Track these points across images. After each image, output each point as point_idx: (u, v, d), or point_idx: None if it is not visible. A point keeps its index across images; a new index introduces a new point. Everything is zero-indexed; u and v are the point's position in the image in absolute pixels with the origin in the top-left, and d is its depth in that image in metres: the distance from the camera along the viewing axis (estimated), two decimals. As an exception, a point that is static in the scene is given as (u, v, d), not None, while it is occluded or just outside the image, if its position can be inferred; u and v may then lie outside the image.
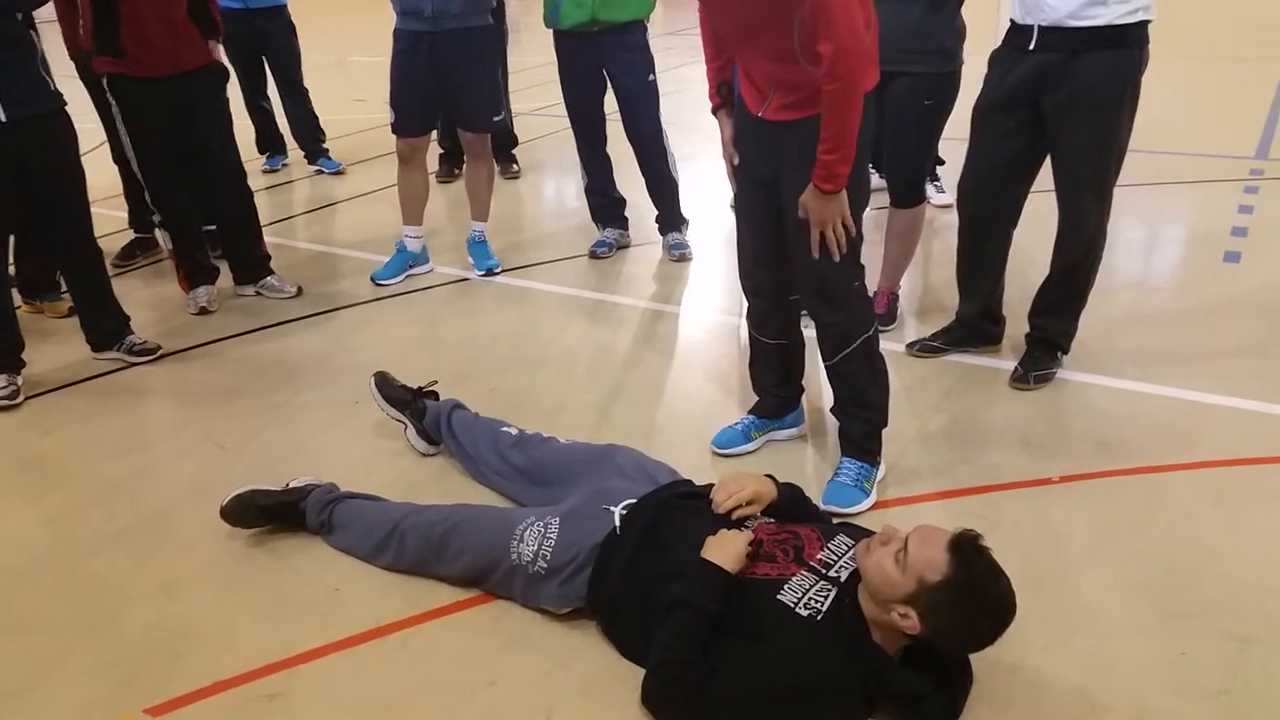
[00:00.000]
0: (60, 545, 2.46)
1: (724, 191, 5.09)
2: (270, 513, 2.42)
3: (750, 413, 2.81)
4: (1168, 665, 1.95)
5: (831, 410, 2.64)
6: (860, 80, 2.13)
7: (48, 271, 3.80)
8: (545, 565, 2.06)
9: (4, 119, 2.97)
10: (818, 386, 3.00)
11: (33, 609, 2.23)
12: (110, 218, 4.71)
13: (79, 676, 2.01)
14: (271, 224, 4.84)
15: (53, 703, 1.95)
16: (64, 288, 3.70)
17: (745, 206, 2.57)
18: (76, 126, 3.22)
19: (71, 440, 2.96)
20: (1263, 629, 2.03)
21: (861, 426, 2.53)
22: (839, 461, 2.56)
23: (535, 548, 2.07)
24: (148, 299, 3.99)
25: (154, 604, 2.22)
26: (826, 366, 2.54)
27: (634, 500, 2.12)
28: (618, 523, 2.07)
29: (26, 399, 3.19)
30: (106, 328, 3.44)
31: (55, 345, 3.56)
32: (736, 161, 2.54)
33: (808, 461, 2.74)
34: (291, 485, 2.47)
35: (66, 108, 3.17)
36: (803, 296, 2.52)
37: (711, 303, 3.88)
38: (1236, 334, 3.37)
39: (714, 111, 2.59)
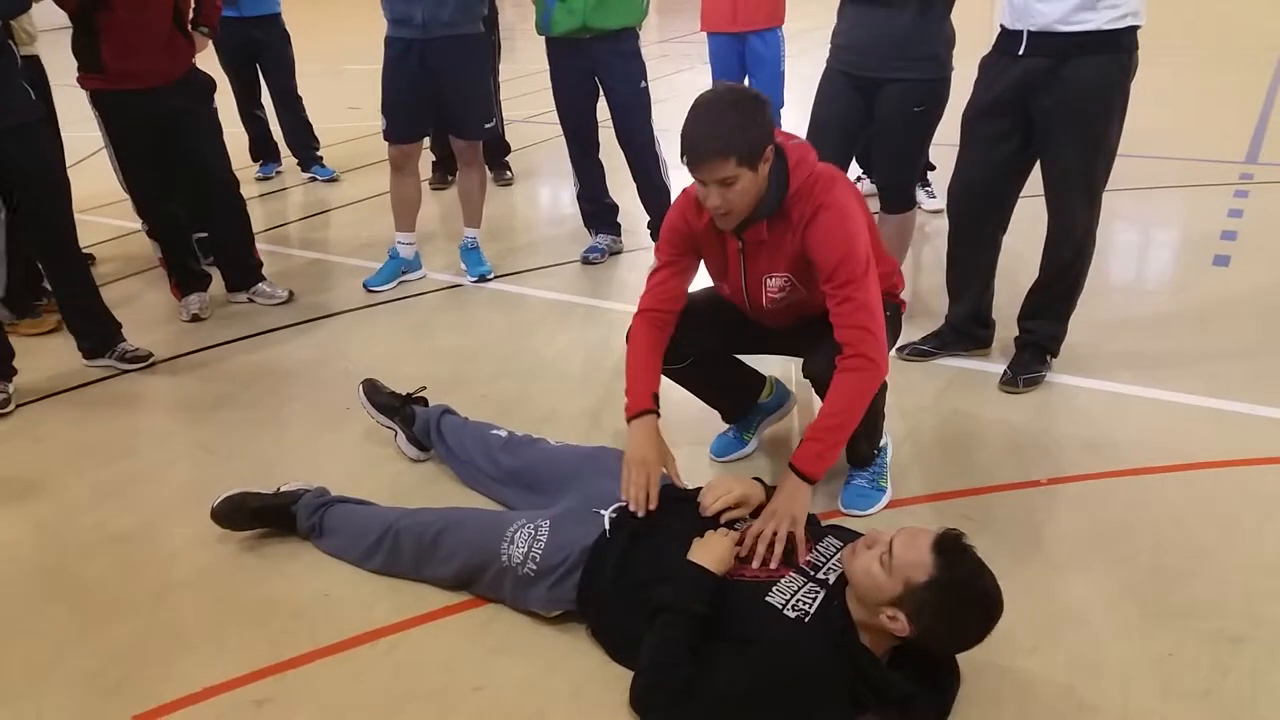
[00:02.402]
0: (51, 552, 2.46)
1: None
2: (260, 515, 2.42)
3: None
4: (1155, 666, 1.95)
5: None
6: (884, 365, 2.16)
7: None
8: (535, 567, 2.06)
9: None
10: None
11: (23, 616, 2.23)
12: (106, 226, 4.72)
13: (68, 683, 2.01)
14: (265, 231, 4.84)
15: (42, 710, 1.95)
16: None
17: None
18: (81, 134, 3.22)
19: (63, 448, 2.96)
20: (1250, 629, 2.03)
21: (867, 448, 2.52)
22: (849, 472, 2.56)
23: (525, 549, 2.08)
24: (140, 306, 3.98)
25: (144, 610, 2.22)
26: None
27: (624, 503, 2.13)
28: (607, 525, 2.07)
29: (18, 407, 3.18)
30: (98, 335, 3.44)
31: (47, 353, 3.56)
32: (653, 506, 2.10)
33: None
34: (282, 490, 2.48)
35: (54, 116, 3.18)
36: (819, 354, 2.27)
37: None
38: (1225, 337, 3.39)
39: (638, 416, 2.22)
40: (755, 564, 1.95)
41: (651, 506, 2.09)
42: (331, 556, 2.35)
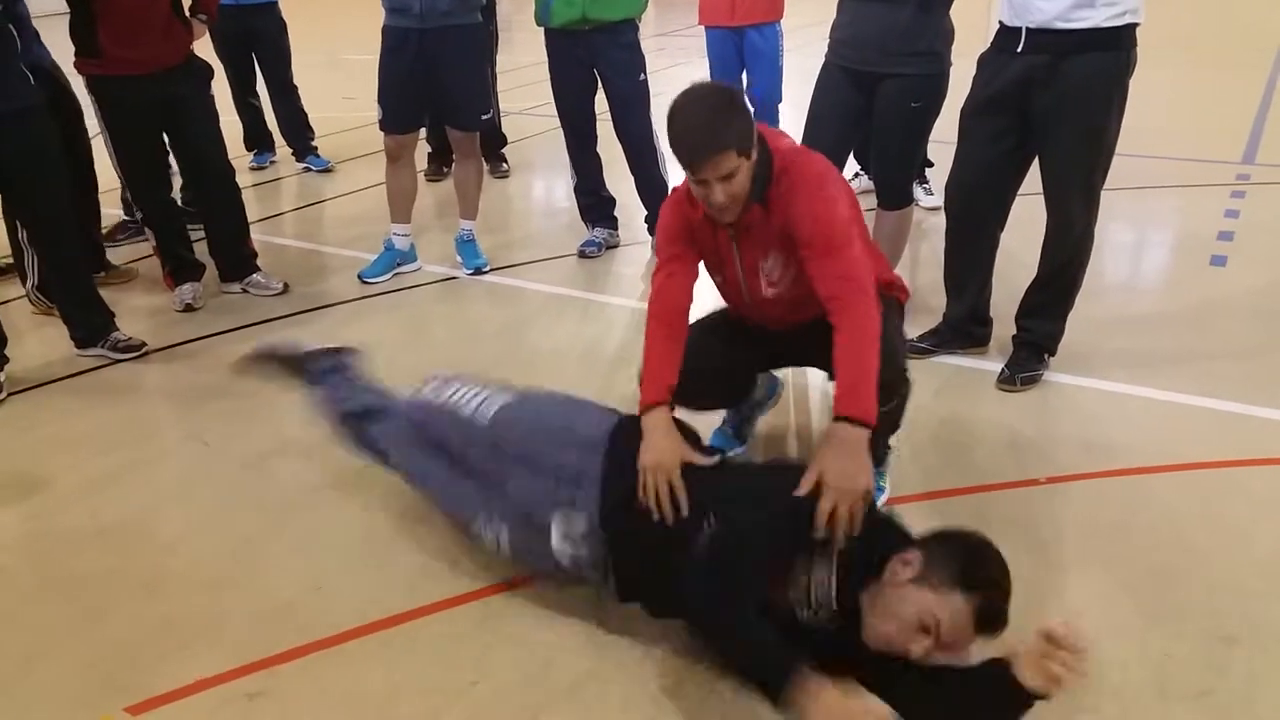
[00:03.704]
0: (43, 543, 2.44)
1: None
2: (285, 364, 2.66)
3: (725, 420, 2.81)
4: (1152, 666, 1.95)
5: None
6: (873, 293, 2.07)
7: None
8: (510, 556, 2.14)
9: None
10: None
11: (14, 607, 2.21)
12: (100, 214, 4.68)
13: (60, 675, 2.00)
14: (259, 221, 4.82)
15: (34, 701, 1.94)
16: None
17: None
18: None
19: (55, 437, 2.94)
20: (1246, 630, 2.03)
21: (883, 445, 2.50)
22: None
23: (494, 539, 2.11)
24: (133, 296, 3.96)
25: (136, 602, 2.21)
26: None
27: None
28: (566, 562, 2.06)
29: (9, 395, 3.16)
30: (91, 324, 3.42)
31: (39, 342, 3.54)
32: (684, 510, 1.94)
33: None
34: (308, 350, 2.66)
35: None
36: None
37: (698, 303, 3.87)
38: (1222, 337, 3.39)
39: (652, 408, 2.08)
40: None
41: (683, 513, 1.92)
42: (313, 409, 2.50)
